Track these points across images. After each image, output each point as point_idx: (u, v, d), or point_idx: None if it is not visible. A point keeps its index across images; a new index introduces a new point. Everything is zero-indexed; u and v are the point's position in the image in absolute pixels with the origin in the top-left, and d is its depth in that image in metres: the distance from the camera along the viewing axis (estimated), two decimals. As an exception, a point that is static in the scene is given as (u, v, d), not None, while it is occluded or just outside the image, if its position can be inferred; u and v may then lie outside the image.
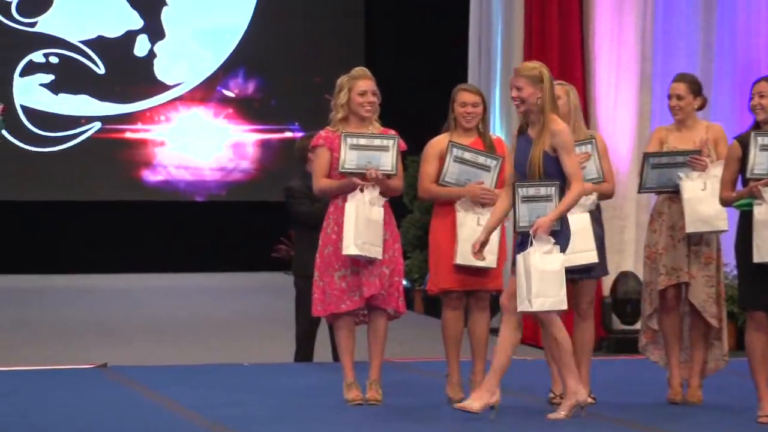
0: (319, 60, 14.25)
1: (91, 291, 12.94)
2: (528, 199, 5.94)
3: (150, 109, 14.44)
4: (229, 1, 14.55)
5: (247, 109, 14.64)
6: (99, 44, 14.22)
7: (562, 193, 5.93)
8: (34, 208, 14.15)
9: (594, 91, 9.08)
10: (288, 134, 14.49)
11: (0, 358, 8.07)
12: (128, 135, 14.44)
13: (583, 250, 6.36)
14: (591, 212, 6.43)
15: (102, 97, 14.25)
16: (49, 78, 14.15)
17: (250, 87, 14.64)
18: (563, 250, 5.95)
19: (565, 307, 5.91)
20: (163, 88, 14.40)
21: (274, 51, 14.48)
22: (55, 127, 14.19)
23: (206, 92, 14.56)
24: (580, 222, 6.34)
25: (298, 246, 7.82)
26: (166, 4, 14.34)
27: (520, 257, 5.90)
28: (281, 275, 12.51)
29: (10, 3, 14.03)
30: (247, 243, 13.82)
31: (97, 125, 14.30)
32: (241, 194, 14.58)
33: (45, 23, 14.15)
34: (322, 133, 6.41)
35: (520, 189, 5.95)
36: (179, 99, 14.48)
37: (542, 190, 5.94)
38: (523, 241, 5.93)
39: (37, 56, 14.12)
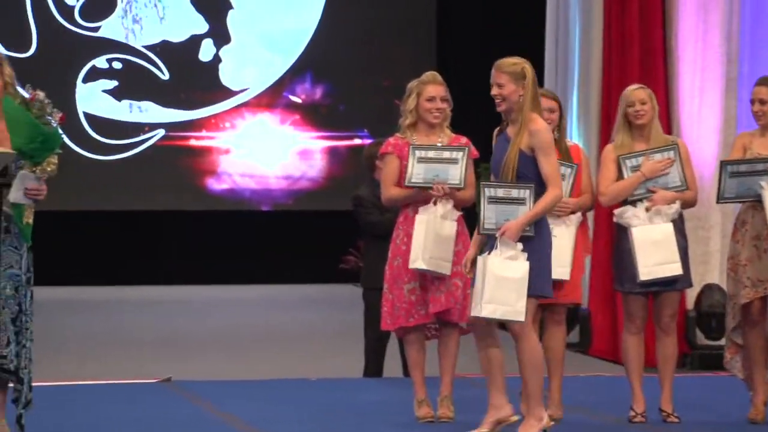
0: (389, 64, 14.26)
1: (155, 303, 13.05)
2: (495, 200, 5.80)
3: (215, 116, 14.53)
4: (296, 4, 14.60)
5: (314, 115, 14.69)
6: (163, 49, 14.34)
7: (538, 197, 5.78)
8: (96, 218, 14.30)
9: (677, 94, 9.01)
10: (356, 141, 14.51)
11: (64, 372, 8.18)
12: (192, 142, 14.55)
13: (666, 262, 6.30)
14: (674, 222, 6.38)
15: (166, 103, 14.37)
16: (112, 84, 14.29)
17: (318, 92, 14.68)
18: (544, 259, 5.81)
19: (521, 318, 5.73)
20: (229, 93, 14.49)
21: (342, 55, 14.52)
22: (118, 134, 14.33)
23: (272, 98, 14.63)
24: (663, 232, 6.28)
25: (366, 257, 7.84)
26: (232, 7, 14.43)
27: (480, 259, 5.81)
28: (350, 287, 12.52)
29: (73, 7, 14.21)
30: (314, 254, 13.85)
31: (161, 132, 14.41)
32: (308, 203, 14.62)
33: (108, 28, 14.30)
34: (391, 140, 6.43)
35: (486, 189, 5.83)
36: (245, 105, 14.56)
37: (514, 192, 5.79)
38: (490, 245, 5.84)
39: (100, 62, 14.28)
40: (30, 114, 5.78)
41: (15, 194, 5.70)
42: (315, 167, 14.71)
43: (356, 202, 7.67)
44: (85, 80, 14.21)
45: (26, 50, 13.97)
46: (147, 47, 14.31)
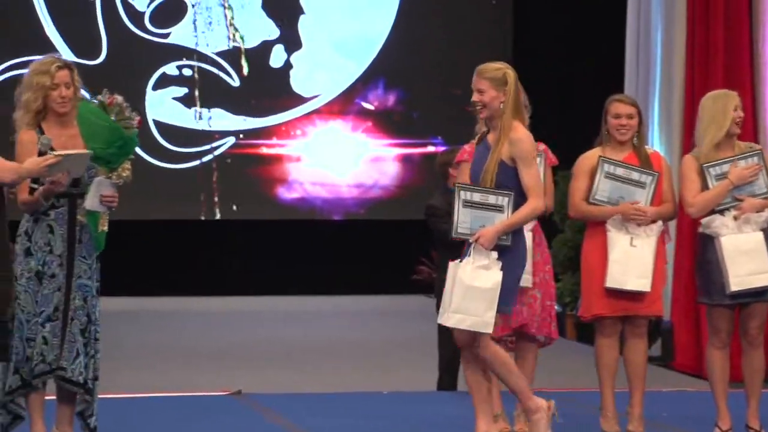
0: (464, 70, 14.18)
1: (224, 314, 13.11)
2: (471, 205, 5.72)
3: (286, 123, 14.58)
4: (369, 10, 14.62)
5: (387, 123, 14.69)
6: (234, 55, 14.43)
7: (518, 208, 5.70)
8: (165, 228, 14.40)
9: (764, 98, 8.90)
10: (430, 149, 14.48)
11: (133, 384, 8.24)
12: (263, 150, 14.61)
13: (757, 272, 6.21)
14: (764, 230, 6.29)
15: (236, 110, 14.44)
16: (182, 91, 14.40)
17: (391, 99, 14.68)
18: (516, 271, 5.74)
19: (490, 330, 5.68)
20: (300, 100, 14.54)
21: (416, 61, 14.51)
22: (188, 142, 14.42)
23: (344, 105, 14.66)
24: (753, 241, 6.20)
25: (440, 267, 7.82)
26: (303, 12, 14.48)
27: (452, 266, 5.76)
28: (423, 298, 12.50)
29: (143, 13, 14.34)
30: (387, 264, 13.84)
31: (231, 140, 14.49)
32: (381, 212, 14.61)
33: (178, 34, 14.41)
34: (466, 147, 6.42)
35: (462, 192, 5.75)
36: (316, 112, 14.60)
37: (491, 199, 5.71)
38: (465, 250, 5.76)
39: (170, 68, 14.39)
40: (109, 118, 5.84)
41: (91, 201, 5.76)
42: (387, 175, 14.71)
43: (429, 211, 7.67)
44: (155, 87, 14.32)
45: (96, 57, 14.12)
46: (217, 53, 14.40)
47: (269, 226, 14.59)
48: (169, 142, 14.31)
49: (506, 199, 5.67)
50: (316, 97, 14.55)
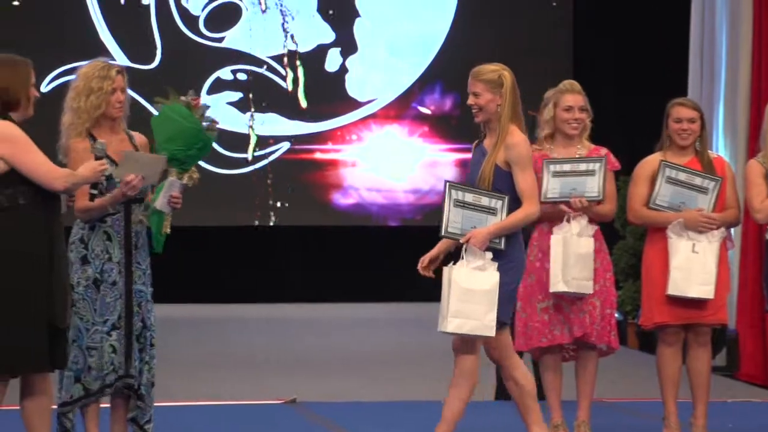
0: (523, 73, 14.08)
1: (278, 321, 13.14)
2: (462, 205, 5.65)
3: (341, 128, 14.62)
4: (426, 13, 14.62)
5: (444, 127, 14.68)
6: (289, 59, 14.48)
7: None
8: (219, 235, 14.47)
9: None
10: (488, 154, 14.45)
11: (188, 392, 8.27)
12: (318, 155, 14.65)
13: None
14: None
15: (291, 115, 14.50)
16: (236, 96, 14.47)
17: (448, 103, 14.67)
18: (513, 280, 5.65)
19: (491, 334, 5.57)
20: (355, 105, 14.56)
21: (474, 64, 14.39)
22: (243, 147, 14.49)
23: (400, 109, 14.66)
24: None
25: (499, 274, 7.81)
26: (359, 15, 14.51)
27: (446, 270, 5.67)
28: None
29: (198, 17, 14.42)
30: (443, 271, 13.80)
31: (286, 145, 14.54)
32: (438, 218, 14.55)
33: (233, 38, 14.49)
34: (525, 152, 6.39)
35: (453, 191, 5.68)
36: (372, 117, 14.61)
37: (484, 200, 5.63)
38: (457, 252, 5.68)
39: (225, 73, 14.47)
40: (195, 118, 5.84)
41: (161, 201, 5.77)
42: (444, 181, 14.67)
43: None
44: (209, 92, 14.39)
45: (150, 62, 14.22)
46: (272, 57, 14.46)
47: (324, 232, 14.62)
48: (223, 147, 14.37)
49: (500, 202, 5.61)
50: (371, 101, 14.56)
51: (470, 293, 5.54)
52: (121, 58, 14.00)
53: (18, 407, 5.38)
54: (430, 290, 15.16)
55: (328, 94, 14.50)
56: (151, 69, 14.17)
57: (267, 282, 14.36)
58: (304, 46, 14.48)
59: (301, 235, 14.56)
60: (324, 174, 14.64)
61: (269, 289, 14.33)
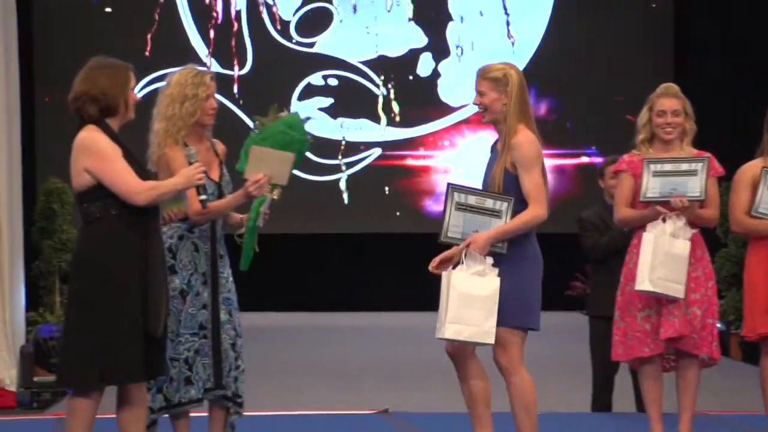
0: (621, 76, 14.08)
1: (371, 330, 13.16)
2: (465, 208, 5.48)
3: (433, 134, 14.63)
4: (521, 16, 14.57)
5: (538, 132, 14.60)
6: (380, 64, 14.52)
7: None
8: (308, 242, 14.52)
9: None
10: (584, 159, 14.36)
11: (280, 402, 8.32)
12: (409, 162, 14.67)
13: None
14: None
15: (382, 121, 14.53)
16: (327, 101, 14.54)
17: (542, 107, 14.61)
18: (528, 286, 5.54)
19: (490, 341, 5.46)
20: (448, 110, 14.56)
21: (570, 68, 14.41)
22: (334, 154, 14.55)
23: (494, 114, 14.62)
24: None
25: (593, 282, 7.76)
26: (451, 19, 14.51)
27: (445, 275, 5.52)
28: (577, 315, 12.39)
29: (289, 23, 14.52)
30: (543, 279, 13.76)
31: (377, 151, 14.57)
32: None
33: (324, 43, 14.57)
34: (626, 157, 6.36)
35: (456, 194, 5.51)
36: (465, 122, 14.61)
37: (488, 203, 5.48)
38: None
39: (316, 78, 14.55)
40: (303, 130, 5.82)
41: (261, 218, 5.78)
42: (539, 187, 14.60)
43: (579, 224, 7.63)
44: (300, 98, 14.48)
45: (242, 68, 14.33)
46: (363, 62, 14.51)
47: (416, 239, 14.59)
48: (314, 154, 14.45)
49: (505, 204, 5.50)
50: (464, 106, 14.54)
51: (469, 299, 5.45)
52: (212, 64, 14.14)
53: (114, 416, 5.44)
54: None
55: (420, 99, 14.51)
56: (242, 75, 14.28)
57: (359, 290, 14.39)
58: (396, 51, 14.51)
59: (392, 242, 14.57)
60: (415, 180, 14.65)
61: (361, 297, 14.36)
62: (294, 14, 14.51)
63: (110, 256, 5.28)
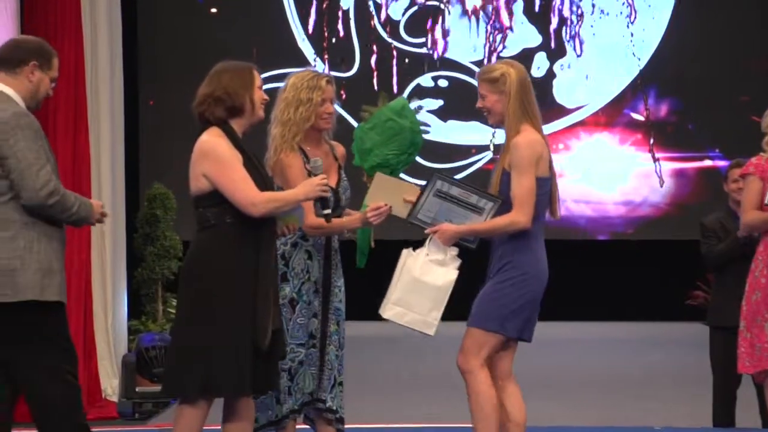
0: (747, 75, 13.88)
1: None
2: (444, 197, 5.43)
3: (547, 136, 14.50)
4: (640, 14, 14.42)
5: (659, 134, 14.45)
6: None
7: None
8: (416, 249, 14.50)
9: None
10: (707, 162, 14.17)
11: (379, 415, 8.31)
12: (523, 165, 14.59)
13: None
14: None
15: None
16: (437, 104, 14.52)
17: (663, 109, 14.44)
18: (528, 290, 5.45)
19: (430, 332, 5.42)
20: (563, 112, 14.45)
21: (692, 67, 14.23)
22: (444, 158, 14.52)
23: (612, 116, 14.50)
24: None
25: (714, 291, 7.65)
26: (568, 17, 14.41)
27: (404, 252, 5.51)
28: (698, 325, 12.22)
29: (398, 22, 14.54)
30: (659, 288, 13.61)
31: (488, 155, 14.52)
32: (651, 232, 14.39)
33: (433, 42, 14.55)
34: (753, 160, 6.29)
35: (438, 181, 5.45)
36: (580, 124, 14.49)
37: (473, 198, 5.42)
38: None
39: (425, 80, 14.53)
40: (414, 117, 5.82)
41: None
42: (658, 192, 14.47)
43: (701, 230, 7.54)
44: (409, 99, 14.45)
45: (349, 69, 14.38)
46: (474, 63, 14.47)
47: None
48: (423, 158, 14.43)
49: (490, 204, 5.45)
50: (580, 107, 14.43)
51: (419, 285, 5.47)
52: (318, 65, 14.20)
53: (219, 427, 5.45)
54: (640, 309, 15.02)
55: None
56: (349, 76, 14.32)
57: (468, 300, 14.33)
58: (509, 51, 14.44)
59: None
60: (529, 185, 14.56)
61: (468, 307, 14.30)
62: (403, 14, 14.51)
63: (222, 264, 5.27)
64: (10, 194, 5.41)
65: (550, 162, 5.60)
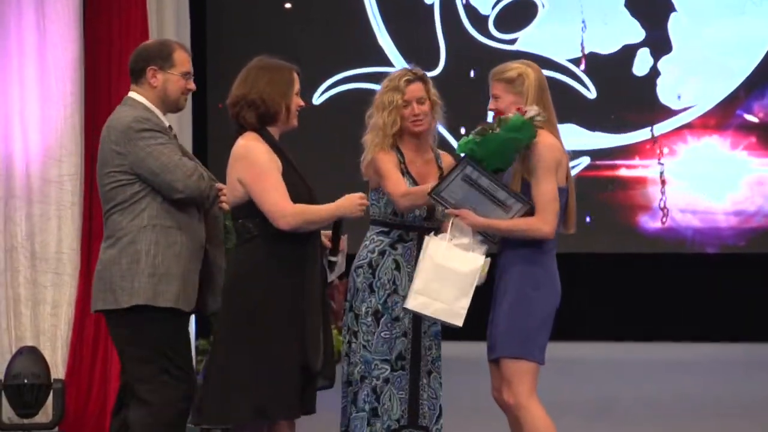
0: None
1: (570, 361, 13.05)
2: (472, 183, 5.37)
3: (650, 141, 14.46)
4: (754, 5, 14.31)
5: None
6: (590, 62, 14.43)
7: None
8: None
9: None
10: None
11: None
12: (623, 172, 14.54)
13: None
14: None
15: (592, 126, 14.43)
16: (530, 105, 14.52)
17: (776, 111, 14.35)
18: (538, 315, 5.43)
19: (458, 323, 5.34)
20: (668, 113, 14.39)
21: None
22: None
23: (722, 117, 14.41)
24: None
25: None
26: (674, 9, 14.34)
27: (427, 238, 5.46)
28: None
29: (487, 17, 14.56)
30: (772, 306, 13.54)
31: (586, 161, 14.48)
32: (765, 245, 14.27)
33: (526, 39, 14.55)
34: None
35: (468, 167, 5.37)
36: (687, 127, 14.41)
37: (501, 194, 5.38)
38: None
39: (517, 79, 14.54)
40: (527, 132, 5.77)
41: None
42: (773, 201, 14.37)
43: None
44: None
45: (433, 68, 14.42)
46: (571, 60, 14.44)
47: (629, 260, 14.47)
48: (516, 163, 14.43)
49: (519, 205, 5.42)
50: (687, 108, 14.37)
51: (444, 271, 5.40)
52: (400, 64, 14.24)
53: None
54: (753, 330, 14.89)
55: (636, 101, 14.38)
56: (434, 76, 14.37)
57: (561, 317, 14.29)
58: (608, 47, 14.41)
59: (602, 263, 14.46)
60: (629, 193, 14.51)
61: (563, 325, 14.26)
62: (493, 8, 14.53)
63: (266, 279, 5.28)
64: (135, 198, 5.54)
65: (568, 171, 5.61)
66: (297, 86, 5.46)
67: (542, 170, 5.46)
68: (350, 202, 5.36)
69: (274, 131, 5.42)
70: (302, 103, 5.50)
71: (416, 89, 5.85)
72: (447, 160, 5.97)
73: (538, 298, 5.55)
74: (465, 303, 5.42)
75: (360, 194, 5.40)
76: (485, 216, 5.45)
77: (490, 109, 5.63)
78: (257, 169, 5.30)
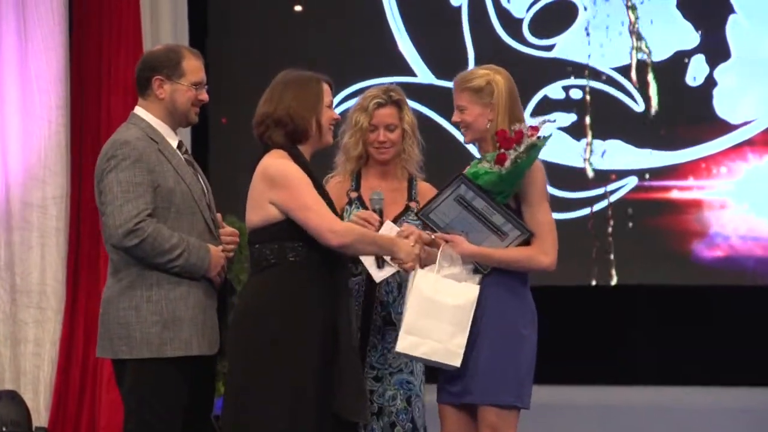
0: None
1: (618, 408, 13.11)
2: (465, 205, 5.32)
3: (706, 158, 14.41)
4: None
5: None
6: (638, 71, 14.39)
7: None
8: (547, 296, 14.30)
9: None
10: None
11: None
12: (675, 194, 14.48)
13: None
14: None
15: (640, 142, 14.39)
16: (569, 118, 14.47)
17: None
18: (530, 350, 5.42)
19: (456, 363, 5.26)
20: (726, 128, 14.32)
21: None
22: (577, 184, 14.45)
23: (787, 133, 14.38)
24: None
25: None
26: (733, 11, 14.30)
27: (413, 273, 5.41)
28: None
29: (521, 20, 14.52)
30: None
31: (633, 181, 14.45)
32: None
33: (566, 45, 14.51)
34: None
35: (462, 186, 5.35)
36: (748, 143, 14.35)
37: (498, 219, 5.37)
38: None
39: (555, 90, 14.49)
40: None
41: None
42: None
43: None
44: (533, 114, 14.45)
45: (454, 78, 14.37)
46: (616, 69, 14.41)
47: (683, 293, 14.40)
48: (552, 185, 14.28)
49: (517, 232, 5.38)
50: (748, 123, 14.30)
51: (435, 306, 5.29)
52: (423, 73, 14.25)
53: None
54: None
55: (690, 115, 14.35)
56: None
57: (607, 357, 14.26)
58: (659, 54, 14.38)
59: (653, 297, 14.41)
60: (682, 218, 14.46)
61: (609, 366, 14.22)
62: (527, 10, 14.50)
63: (285, 314, 5.22)
64: None
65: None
66: (328, 98, 5.46)
67: (537, 195, 5.54)
68: (409, 249, 5.35)
69: (305, 150, 5.41)
70: (336, 117, 5.50)
71: (386, 114, 5.82)
72: (423, 188, 5.92)
73: (530, 338, 5.54)
74: (462, 341, 5.37)
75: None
76: (477, 243, 5.33)
77: (454, 122, 5.59)
78: (295, 187, 5.31)
